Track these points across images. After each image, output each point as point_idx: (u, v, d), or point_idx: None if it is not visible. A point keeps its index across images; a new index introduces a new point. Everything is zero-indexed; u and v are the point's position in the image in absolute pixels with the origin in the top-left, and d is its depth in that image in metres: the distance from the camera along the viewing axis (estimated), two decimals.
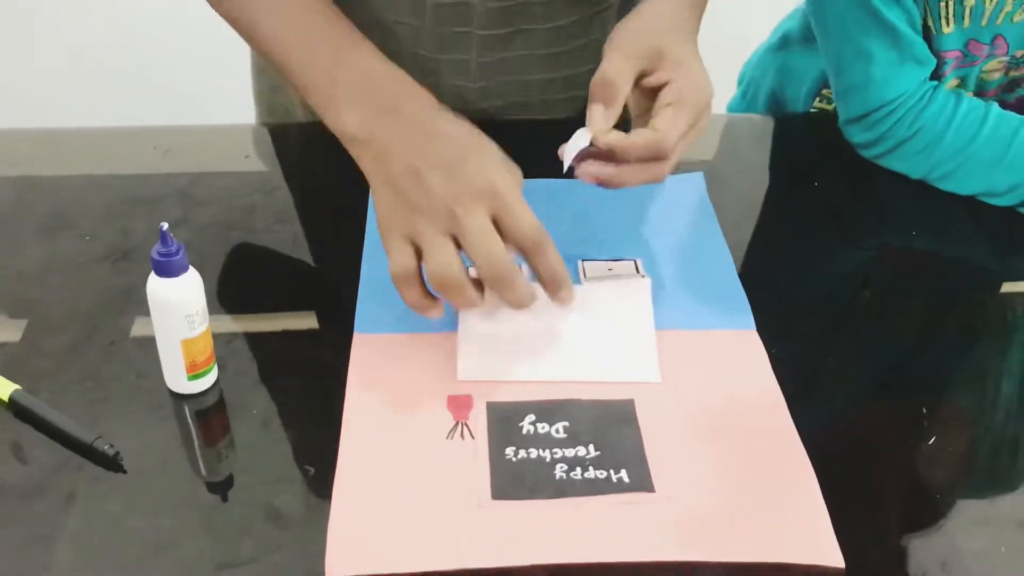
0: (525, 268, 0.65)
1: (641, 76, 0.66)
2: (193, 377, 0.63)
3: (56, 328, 0.69)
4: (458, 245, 0.60)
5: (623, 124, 0.66)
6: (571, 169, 0.65)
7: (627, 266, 0.74)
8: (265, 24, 0.69)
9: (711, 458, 0.60)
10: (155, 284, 0.61)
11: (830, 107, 0.99)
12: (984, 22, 0.84)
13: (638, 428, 0.62)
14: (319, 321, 0.72)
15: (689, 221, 0.80)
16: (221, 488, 0.59)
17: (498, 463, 0.60)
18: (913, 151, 0.85)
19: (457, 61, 0.85)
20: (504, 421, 0.62)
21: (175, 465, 0.60)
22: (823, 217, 0.85)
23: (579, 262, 0.74)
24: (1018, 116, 0.83)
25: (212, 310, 0.65)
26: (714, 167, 0.86)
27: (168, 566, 0.55)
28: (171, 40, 2.10)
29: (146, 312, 0.65)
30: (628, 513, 0.57)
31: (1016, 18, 0.83)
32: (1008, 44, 0.86)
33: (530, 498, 0.58)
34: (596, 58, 0.67)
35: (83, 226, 0.79)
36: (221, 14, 0.72)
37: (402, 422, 0.62)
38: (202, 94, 1.85)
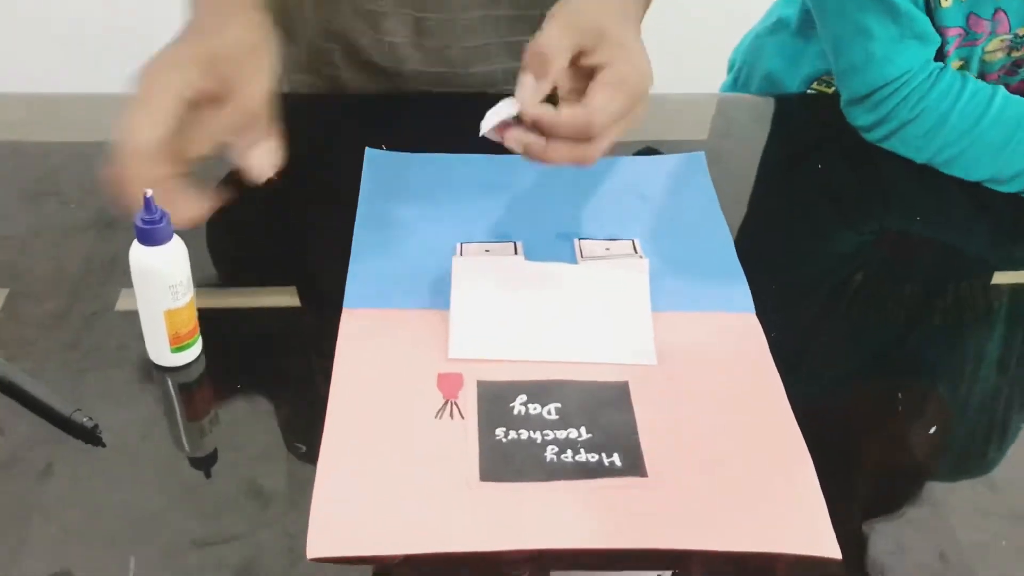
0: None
1: (579, 54, 0.61)
2: (176, 350, 0.61)
3: (38, 297, 0.68)
4: None
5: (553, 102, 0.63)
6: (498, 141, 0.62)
7: (625, 246, 0.72)
8: None
9: (706, 444, 0.59)
10: (138, 253, 0.59)
11: (829, 90, 0.97)
12: None
13: (632, 411, 0.61)
14: (307, 295, 0.70)
15: (690, 201, 0.78)
16: (203, 464, 0.58)
17: (488, 444, 0.58)
18: (916, 133, 0.83)
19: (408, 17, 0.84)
20: (495, 401, 0.61)
21: (156, 439, 0.59)
22: (823, 200, 0.83)
23: (575, 240, 0.72)
24: None
25: (196, 281, 0.63)
26: (710, 147, 0.84)
27: (146, 543, 0.53)
28: (160, 6, 2.06)
29: (130, 282, 0.64)
30: (619, 498, 0.55)
31: None
32: (1009, 20, 0.83)
33: (519, 480, 0.56)
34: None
35: (68, 193, 0.77)
36: None
37: (390, 400, 0.60)
38: None
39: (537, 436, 0.59)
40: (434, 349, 0.64)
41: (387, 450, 0.57)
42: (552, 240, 0.73)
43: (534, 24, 0.61)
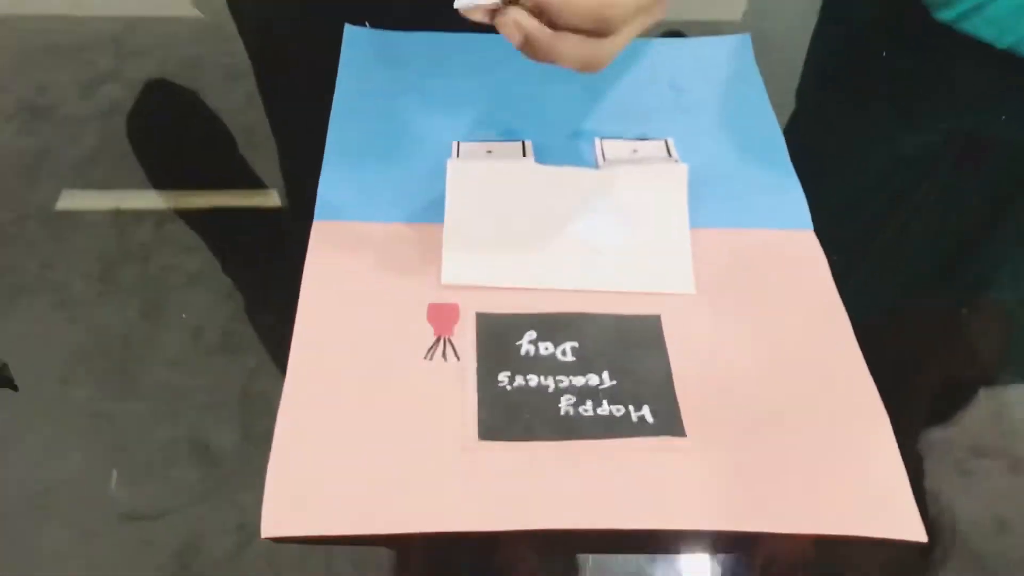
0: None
1: None
2: None
3: None
4: None
5: None
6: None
7: (656, 147, 0.59)
8: None
9: (757, 394, 0.48)
10: None
11: None
12: None
13: (665, 352, 0.49)
14: (273, 203, 0.58)
15: (733, 93, 0.65)
16: (133, 414, 0.47)
17: (488, 392, 0.47)
18: (999, 13, 0.70)
19: None
20: (498, 338, 0.49)
21: (76, 383, 0.48)
22: (886, 95, 0.70)
23: (597, 140, 0.60)
24: None
25: (142, 183, 0.52)
26: (753, 31, 0.71)
27: (59, 517, 0.42)
28: None
29: (59, 184, 0.52)
30: (651, 464, 0.45)
31: None
32: None
33: (527, 439, 0.45)
34: None
35: None
36: None
37: (368, 336, 0.49)
38: None
39: (549, 383, 0.48)
40: (423, 273, 0.52)
41: (362, 400, 0.46)
42: (568, 139, 0.60)
43: None
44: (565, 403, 0.47)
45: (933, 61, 0.72)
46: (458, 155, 0.58)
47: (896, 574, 0.44)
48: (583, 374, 0.48)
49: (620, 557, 0.43)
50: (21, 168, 0.58)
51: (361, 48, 0.66)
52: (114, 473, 0.44)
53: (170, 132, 0.62)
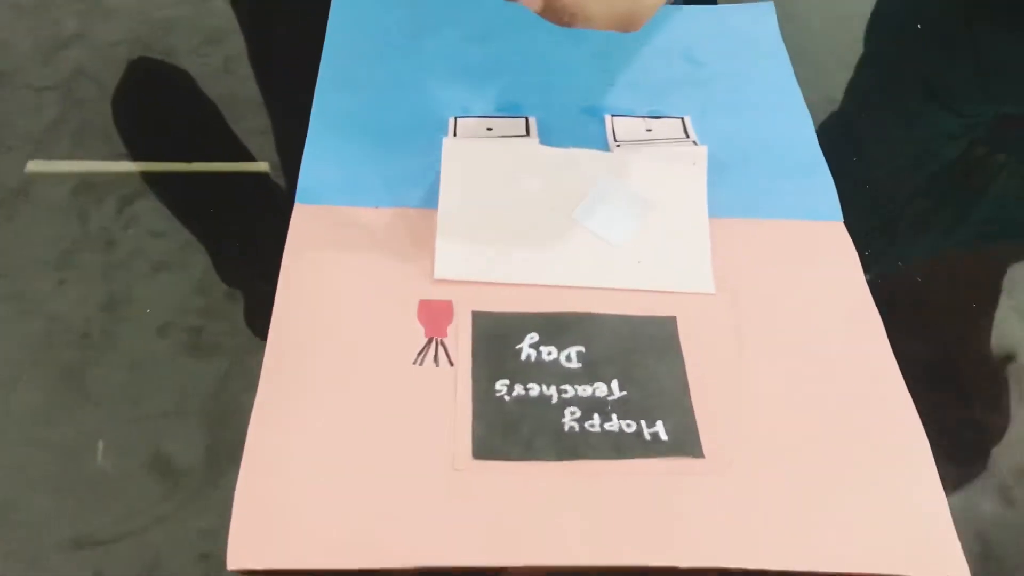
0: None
1: None
2: None
3: None
4: None
5: None
6: None
7: (672, 125, 0.54)
8: None
9: (784, 410, 0.43)
10: None
11: None
12: None
13: (681, 359, 0.44)
14: (252, 183, 0.53)
15: (754, 67, 0.59)
16: (87, 423, 0.42)
17: (484, 403, 0.42)
18: None
19: None
20: (496, 341, 0.45)
21: (25, 385, 0.43)
22: (921, 72, 0.64)
23: (607, 117, 0.55)
24: None
25: (107, 159, 0.47)
26: None
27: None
28: None
29: (15, 159, 0.47)
30: (665, 490, 0.40)
31: None
32: None
33: (526, 458, 0.41)
34: None
35: None
36: None
37: (351, 338, 0.44)
38: None
39: (552, 392, 0.43)
40: (414, 266, 0.47)
41: (343, 412, 0.41)
42: (576, 116, 0.55)
43: None
44: (569, 417, 0.42)
45: (976, 33, 0.67)
46: (455, 133, 0.53)
47: None
48: (590, 383, 0.43)
49: None
50: None
51: (351, 12, 0.60)
52: (100, 444, 0.40)
53: (140, 102, 0.56)
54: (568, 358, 0.44)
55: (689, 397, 0.43)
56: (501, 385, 0.43)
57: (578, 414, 0.42)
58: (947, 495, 0.40)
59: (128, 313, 0.46)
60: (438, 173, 0.49)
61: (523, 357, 0.44)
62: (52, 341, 0.44)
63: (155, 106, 0.56)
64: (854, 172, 0.54)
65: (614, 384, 0.43)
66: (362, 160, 0.51)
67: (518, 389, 0.43)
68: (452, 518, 0.38)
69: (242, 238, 0.49)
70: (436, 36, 0.59)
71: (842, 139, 0.56)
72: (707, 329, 0.46)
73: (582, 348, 0.45)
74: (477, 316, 0.45)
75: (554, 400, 0.43)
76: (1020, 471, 0.43)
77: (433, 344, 0.44)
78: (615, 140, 0.53)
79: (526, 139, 0.52)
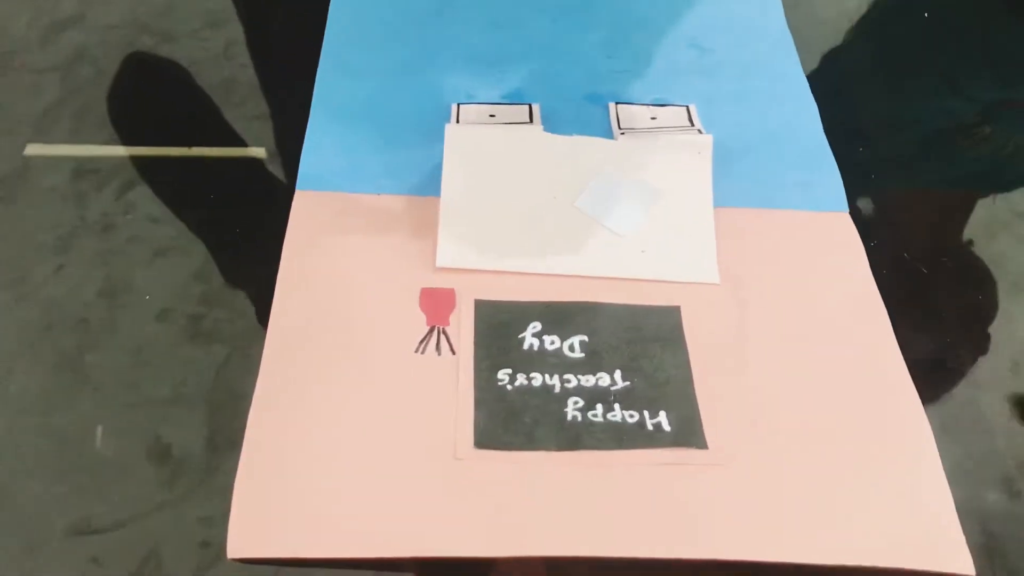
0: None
1: None
2: None
3: None
4: None
5: None
6: None
7: (677, 113, 0.54)
8: None
9: (787, 401, 0.43)
10: None
11: None
12: None
13: (685, 349, 0.44)
14: (253, 168, 0.52)
15: (759, 55, 0.59)
16: (86, 410, 0.42)
17: (487, 392, 0.42)
18: None
19: None
20: (498, 329, 0.44)
21: (24, 372, 0.42)
22: (928, 60, 0.64)
23: (611, 105, 0.54)
24: None
25: (106, 143, 0.47)
26: None
27: None
28: None
29: (14, 143, 0.47)
30: (667, 481, 0.40)
31: None
32: None
33: (529, 448, 0.40)
34: None
35: None
36: None
37: (352, 326, 0.44)
38: None
39: (555, 382, 0.43)
40: (416, 253, 0.46)
41: (344, 401, 0.41)
42: (580, 103, 0.54)
43: None
44: (572, 407, 0.42)
45: (984, 21, 0.66)
46: (458, 119, 0.52)
47: None
48: (593, 373, 0.43)
49: None
50: None
51: None
52: (99, 430, 0.39)
53: (140, 85, 0.56)
54: (571, 347, 0.44)
55: (693, 387, 0.43)
56: (503, 374, 0.43)
57: (581, 404, 0.42)
58: (951, 487, 0.40)
59: (127, 299, 0.45)
60: (440, 159, 0.49)
61: (526, 346, 0.44)
62: (51, 327, 0.44)
63: (154, 91, 0.56)
64: (860, 163, 0.54)
65: (617, 374, 0.43)
66: (364, 146, 0.51)
67: (520, 378, 0.43)
68: (453, 508, 0.38)
69: (242, 224, 0.48)
70: (439, 22, 0.58)
71: (848, 129, 0.55)
72: (711, 319, 0.45)
73: (585, 337, 0.44)
74: (479, 304, 0.45)
75: (557, 390, 0.42)
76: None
77: (435, 333, 0.44)
78: (619, 128, 0.52)
79: (529, 126, 0.51)
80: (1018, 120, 0.60)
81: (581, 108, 0.54)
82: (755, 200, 0.50)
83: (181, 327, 0.44)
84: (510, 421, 0.41)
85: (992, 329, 0.48)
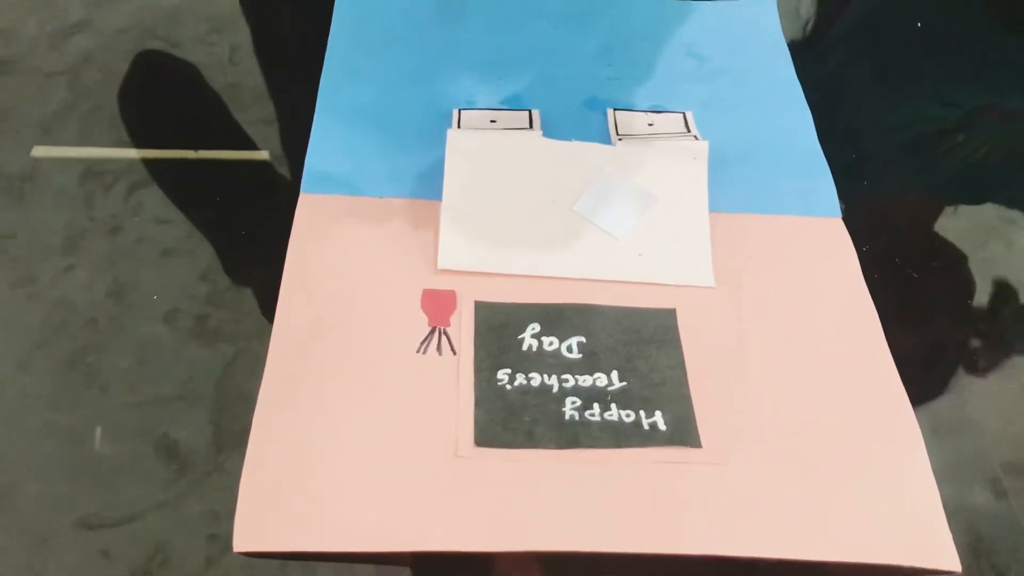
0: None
1: None
2: None
3: None
4: None
5: None
6: None
7: (674, 120, 0.55)
8: None
9: (780, 402, 0.44)
10: None
11: None
12: None
13: (680, 351, 0.45)
14: (259, 171, 0.53)
15: (755, 63, 0.60)
16: (95, 407, 0.42)
17: (487, 392, 0.43)
18: None
19: None
20: (498, 330, 0.45)
21: (33, 370, 0.43)
22: (923, 67, 0.65)
23: (609, 111, 0.55)
24: None
25: (114, 146, 0.48)
26: None
27: (8, 522, 0.38)
28: None
29: (23, 145, 0.48)
30: (663, 479, 0.41)
31: None
32: None
33: (528, 446, 0.41)
34: None
35: None
36: None
37: (355, 326, 0.45)
38: None
39: (553, 382, 0.44)
40: (417, 256, 0.48)
41: (347, 400, 0.42)
42: (579, 110, 0.55)
43: None
44: (570, 406, 0.43)
45: (978, 31, 0.67)
46: (459, 124, 0.53)
47: None
48: (590, 373, 0.44)
49: None
50: None
51: (356, 4, 0.61)
52: (98, 431, 0.40)
53: (146, 89, 0.57)
54: (569, 348, 0.45)
55: (688, 388, 0.44)
56: (503, 374, 0.44)
57: (578, 403, 0.43)
58: (940, 486, 0.41)
59: (135, 299, 0.46)
60: (442, 164, 0.50)
61: (525, 347, 0.45)
62: (60, 326, 0.45)
63: (161, 94, 0.57)
64: (853, 169, 0.55)
65: (614, 375, 0.44)
66: (366, 150, 0.52)
67: (520, 378, 0.44)
68: (454, 504, 0.39)
69: (247, 226, 0.49)
70: (441, 29, 0.59)
71: (842, 136, 0.56)
72: (706, 322, 0.46)
73: (583, 339, 0.45)
74: (480, 306, 0.46)
75: (555, 389, 0.43)
76: (1011, 465, 0.44)
77: (436, 333, 0.45)
78: (617, 134, 0.53)
79: (529, 132, 0.52)
80: (998, 128, 0.61)
81: (580, 114, 0.55)
82: (750, 205, 0.51)
83: (188, 327, 0.45)
84: (509, 420, 0.42)
85: (980, 333, 0.49)
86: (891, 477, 0.41)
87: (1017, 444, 0.45)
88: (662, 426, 0.42)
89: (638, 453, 0.41)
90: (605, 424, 0.42)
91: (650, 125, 0.54)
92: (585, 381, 0.44)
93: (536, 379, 0.44)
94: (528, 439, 0.41)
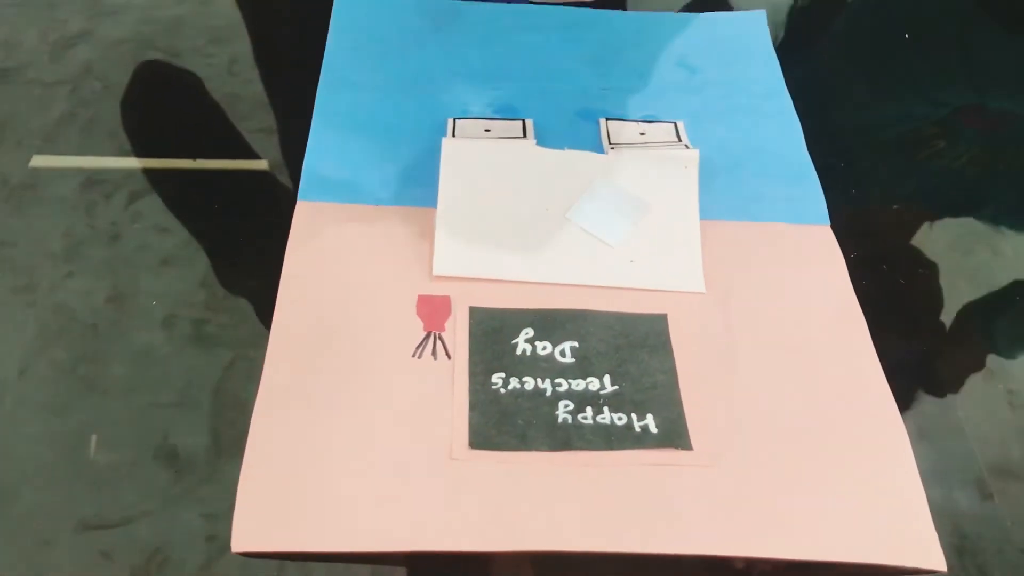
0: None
1: None
2: None
3: None
4: None
5: None
6: None
7: (665, 129, 0.56)
8: None
9: (769, 405, 0.44)
10: None
11: None
12: None
13: (671, 355, 0.46)
14: (256, 180, 0.54)
15: (745, 74, 0.61)
16: (94, 411, 0.43)
17: (481, 396, 0.44)
18: None
19: None
20: (492, 335, 0.46)
21: (34, 375, 0.44)
22: (910, 77, 0.66)
23: (601, 121, 0.56)
24: None
25: (114, 155, 0.49)
26: (768, 6, 0.67)
27: (10, 524, 0.39)
28: None
29: (24, 154, 0.48)
30: (654, 480, 0.41)
31: None
32: None
33: (521, 449, 0.42)
34: None
35: None
36: None
37: (352, 331, 0.45)
38: None
39: (547, 386, 0.44)
40: (413, 262, 0.48)
41: (344, 403, 0.43)
42: (571, 119, 0.56)
43: None
44: (563, 410, 0.43)
45: (959, 43, 0.68)
46: (453, 133, 0.54)
47: None
48: (583, 377, 0.45)
49: None
50: None
51: (352, 15, 0.62)
52: (93, 438, 0.41)
53: (146, 100, 0.58)
54: (562, 353, 0.46)
55: (679, 392, 0.44)
56: (497, 378, 0.44)
57: (571, 407, 0.44)
58: (926, 489, 0.42)
59: (134, 306, 0.47)
60: (437, 172, 0.51)
61: (518, 351, 0.46)
62: (60, 332, 0.46)
63: (161, 104, 0.58)
64: (841, 177, 0.56)
65: (606, 379, 0.45)
66: (363, 159, 0.53)
67: (513, 382, 0.44)
68: (449, 505, 0.40)
69: (245, 234, 0.50)
70: (436, 40, 0.60)
71: (830, 145, 0.57)
72: (697, 327, 0.47)
73: (576, 343, 0.46)
74: (474, 311, 0.47)
75: (548, 393, 0.44)
76: (996, 467, 0.45)
77: (432, 338, 0.46)
78: (610, 143, 0.54)
79: (523, 141, 0.53)
80: (983, 135, 0.62)
81: (573, 124, 0.56)
82: (740, 213, 0.52)
83: (186, 332, 0.46)
84: (503, 423, 0.43)
85: (966, 338, 0.50)
86: (878, 479, 0.42)
87: (1002, 447, 0.46)
88: (653, 429, 0.43)
89: (630, 455, 0.42)
90: (597, 427, 0.43)
91: (642, 134, 0.55)
92: (578, 385, 0.44)
93: (530, 383, 0.44)
94: (522, 442, 0.42)
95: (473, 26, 0.62)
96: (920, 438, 0.44)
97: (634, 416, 0.43)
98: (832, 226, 0.52)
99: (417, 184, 0.51)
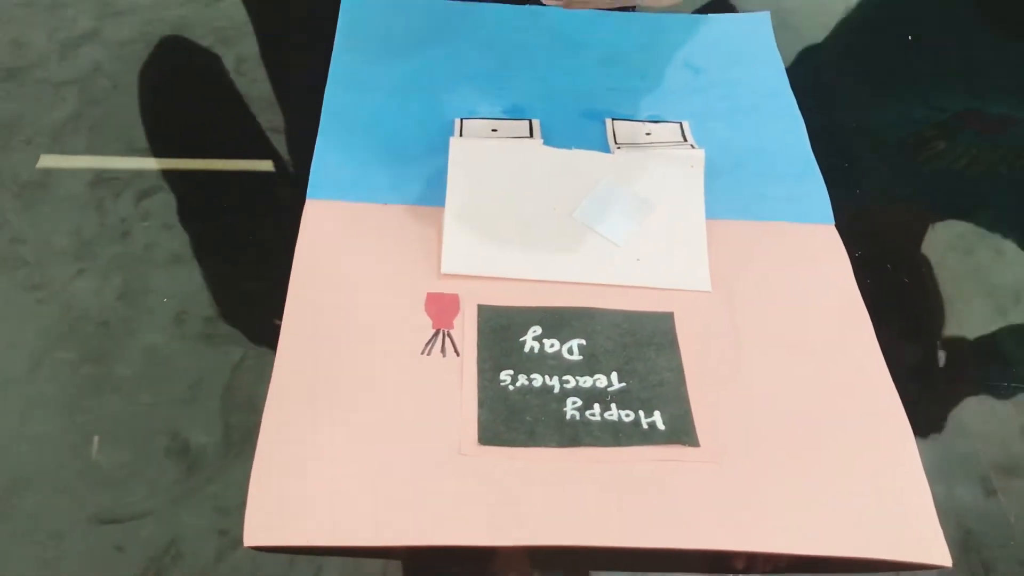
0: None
1: None
2: None
3: None
4: None
5: None
6: None
7: (671, 130, 0.56)
8: None
9: (775, 403, 0.45)
10: None
11: None
12: None
13: (678, 353, 0.46)
14: (266, 179, 0.54)
15: (750, 75, 0.61)
16: (105, 407, 0.43)
17: (490, 392, 0.44)
18: None
19: None
20: (500, 332, 0.46)
21: (46, 371, 0.44)
22: (915, 79, 0.67)
23: (608, 121, 0.56)
24: None
25: (123, 154, 0.50)
26: (772, 8, 0.67)
27: (23, 517, 0.39)
28: None
29: (34, 152, 0.49)
30: (661, 476, 0.42)
31: None
32: None
33: (530, 445, 0.42)
34: None
35: None
36: None
37: (361, 329, 0.46)
38: None
39: (555, 383, 0.45)
40: (422, 260, 0.49)
41: (354, 399, 0.43)
42: (577, 119, 0.57)
43: None
44: (571, 406, 0.44)
45: (969, 44, 0.69)
46: (461, 133, 0.54)
47: None
48: (591, 374, 0.45)
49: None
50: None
51: (360, 13, 0.62)
52: (95, 440, 0.41)
53: (154, 99, 0.58)
54: (570, 351, 0.46)
55: (685, 389, 0.45)
56: (505, 375, 0.45)
57: (579, 404, 0.44)
58: (931, 485, 0.42)
59: (145, 303, 0.47)
60: (445, 171, 0.51)
61: (526, 349, 0.46)
62: (71, 329, 0.46)
63: (169, 104, 0.58)
64: (845, 177, 0.56)
65: (614, 376, 0.45)
66: (371, 158, 0.53)
67: (522, 379, 0.45)
68: (458, 500, 0.40)
69: (254, 232, 0.50)
70: (443, 41, 0.61)
71: (834, 145, 0.58)
72: (703, 325, 0.47)
73: (583, 341, 0.46)
74: (482, 309, 0.47)
75: (556, 390, 0.44)
76: (1000, 464, 0.45)
77: (440, 335, 0.46)
78: (616, 143, 0.55)
79: (530, 140, 0.54)
80: (985, 136, 0.63)
81: (579, 124, 0.56)
82: (745, 212, 0.53)
83: (197, 330, 0.46)
84: (512, 420, 0.43)
85: (970, 337, 0.51)
86: (883, 475, 0.42)
87: (1006, 445, 0.46)
88: (661, 425, 0.43)
89: (637, 451, 0.42)
90: (605, 424, 0.43)
91: (648, 134, 0.56)
92: (585, 382, 0.45)
93: (538, 380, 0.45)
94: (530, 438, 0.42)
95: (480, 27, 0.62)
96: (925, 435, 0.45)
97: (641, 413, 0.44)
98: (836, 225, 0.53)
99: (425, 183, 0.52)
